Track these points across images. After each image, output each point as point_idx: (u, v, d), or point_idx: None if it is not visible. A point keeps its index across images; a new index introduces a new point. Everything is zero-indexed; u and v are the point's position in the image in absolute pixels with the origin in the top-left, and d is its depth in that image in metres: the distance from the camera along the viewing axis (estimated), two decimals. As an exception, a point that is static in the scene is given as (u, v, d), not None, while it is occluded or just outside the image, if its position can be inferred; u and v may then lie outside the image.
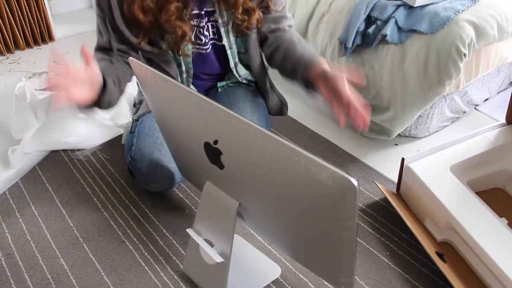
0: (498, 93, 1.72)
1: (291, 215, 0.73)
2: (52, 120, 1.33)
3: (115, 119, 1.46)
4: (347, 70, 0.93)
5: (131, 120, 1.24)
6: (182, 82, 1.18)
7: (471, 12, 1.28)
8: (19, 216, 1.16)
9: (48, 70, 0.78)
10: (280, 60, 1.15)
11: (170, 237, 1.10)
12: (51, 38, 2.16)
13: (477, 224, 0.97)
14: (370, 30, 1.34)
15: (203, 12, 1.10)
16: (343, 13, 1.44)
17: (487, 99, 1.68)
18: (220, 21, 1.11)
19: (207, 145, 0.80)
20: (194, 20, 1.10)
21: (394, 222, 1.15)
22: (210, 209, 0.90)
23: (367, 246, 1.09)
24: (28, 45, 2.09)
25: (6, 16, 1.93)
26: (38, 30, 2.09)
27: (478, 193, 1.15)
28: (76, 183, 1.27)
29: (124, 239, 1.10)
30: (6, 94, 1.33)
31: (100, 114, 1.41)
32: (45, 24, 2.10)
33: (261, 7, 1.10)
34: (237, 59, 1.20)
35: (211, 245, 0.90)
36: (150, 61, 1.13)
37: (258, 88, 1.29)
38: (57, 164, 1.34)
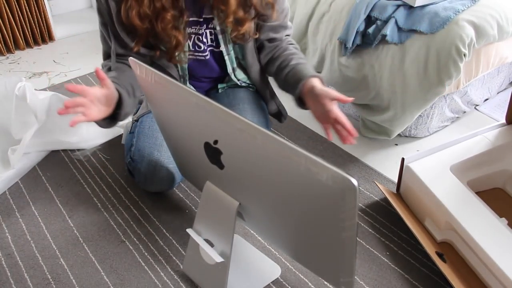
0: (498, 93, 1.72)
1: (291, 215, 0.73)
2: (52, 120, 1.33)
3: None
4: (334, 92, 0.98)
5: (131, 120, 1.24)
6: None
7: (471, 12, 1.28)
8: (19, 216, 1.16)
9: (66, 89, 0.83)
10: (273, 72, 1.18)
11: (170, 237, 1.10)
12: (51, 38, 2.16)
13: (477, 224, 0.97)
14: (370, 30, 1.34)
15: (201, 19, 1.10)
16: (343, 13, 1.44)
17: (487, 99, 1.68)
18: (218, 28, 1.11)
19: (207, 145, 0.80)
20: (193, 27, 1.11)
21: (394, 222, 1.15)
22: (210, 209, 0.90)
23: (367, 246, 1.09)
24: (28, 45, 2.10)
25: (6, 16, 1.93)
26: (38, 30, 2.09)
27: (478, 193, 1.15)
28: (76, 183, 1.27)
29: (124, 239, 1.10)
30: (6, 94, 1.33)
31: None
32: (45, 24, 2.10)
33: (261, 15, 1.10)
34: (235, 65, 1.21)
35: (211, 245, 0.90)
36: (152, 62, 1.13)
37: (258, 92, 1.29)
38: (57, 164, 1.34)
